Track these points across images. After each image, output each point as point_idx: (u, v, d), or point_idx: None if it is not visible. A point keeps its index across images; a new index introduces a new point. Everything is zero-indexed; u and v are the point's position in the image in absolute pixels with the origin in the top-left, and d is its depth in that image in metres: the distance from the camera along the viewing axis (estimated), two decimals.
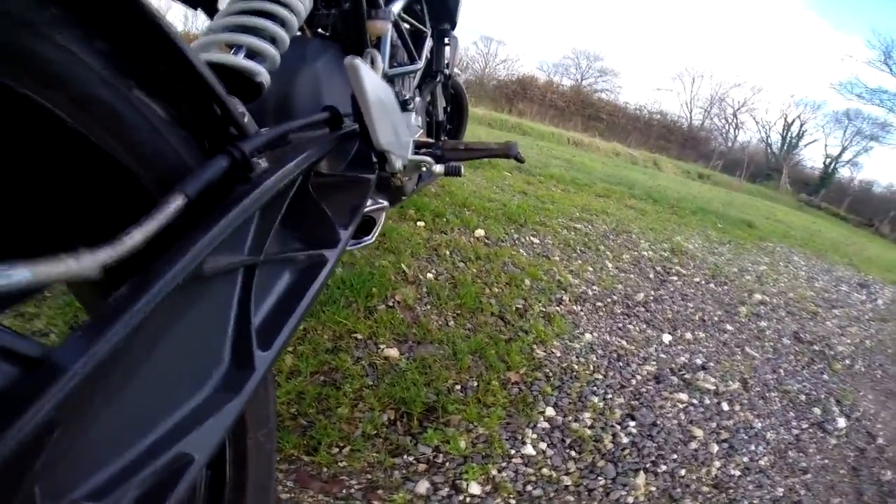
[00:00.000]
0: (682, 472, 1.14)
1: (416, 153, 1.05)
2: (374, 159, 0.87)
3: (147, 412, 0.39)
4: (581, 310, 1.82)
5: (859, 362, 2.14)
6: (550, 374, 1.39)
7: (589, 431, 1.20)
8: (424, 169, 1.06)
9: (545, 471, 1.07)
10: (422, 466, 1.03)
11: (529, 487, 1.04)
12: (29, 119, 0.38)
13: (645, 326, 1.83)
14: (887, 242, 12.21)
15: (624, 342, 1.66)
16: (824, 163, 22.51)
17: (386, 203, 1.10)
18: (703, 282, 2.53)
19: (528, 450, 1.12)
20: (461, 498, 0.98)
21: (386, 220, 2.09)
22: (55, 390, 0.27)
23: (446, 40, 1.81)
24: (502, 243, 2.19)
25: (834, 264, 4.18)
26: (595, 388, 1.37)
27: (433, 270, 1.79)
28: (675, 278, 2.45)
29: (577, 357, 1.50)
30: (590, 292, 1.97)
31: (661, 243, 2.96)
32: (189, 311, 0.42)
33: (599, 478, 1.07)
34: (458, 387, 1.27)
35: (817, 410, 1.56)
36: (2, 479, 0.25)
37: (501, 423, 1.18)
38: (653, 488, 1.08)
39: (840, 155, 22.37)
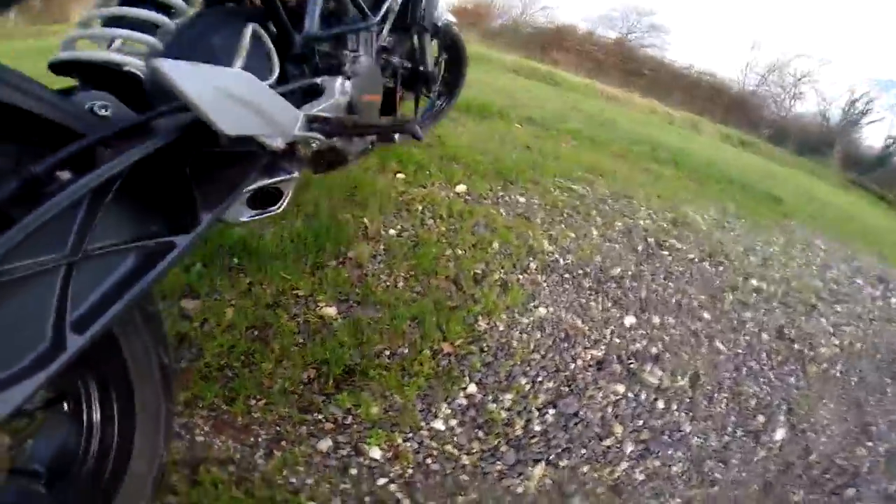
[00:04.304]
0: (585, 468, 1.18)
1: (306, 129, 1.02)
2: None
3: None
4: (545, 280, 1.82)
5: (839, 366, 2.10)
6: (486, 348, 1.43)
7: (504, 414, 1.24)
8: (314, 145, 1.06)
9: (448, 447, 1.14)
10: (329, 426, 1.11)
11: (429, 461, 1.10)
12: None
13: (610, 305, 1.83)
14: None
15: (579, 321, 1.67)
16: (885, 143, 21.11)
17: (295, 174, 1.07)
18: (698, 259, 2.47)
19: (438, 424, 1.17)
20: (360, 460, 1.07)
21: (364, 170, 2.09)
22: None
23: None
24: (483, 200, 2.17)
25: (859, 253, 4.00)
26: (527, 369, 1.40)
27: (398, 226, 1.80)
28: (665, 253, 2.39)
29: (520, 333, 1.52)
30: (562, 262, 1.96)
31: (664, 212, 2.87)
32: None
33: (498, 463, 1.13)
34: (387, 352, 1.32)
35: (761, 418, 1.57)
36: None
37: (419, 394, 1.23)
38: (548, 481, 1.13)
39: None
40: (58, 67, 0.74)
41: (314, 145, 1.01)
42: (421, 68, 2.04)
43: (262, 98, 0.82)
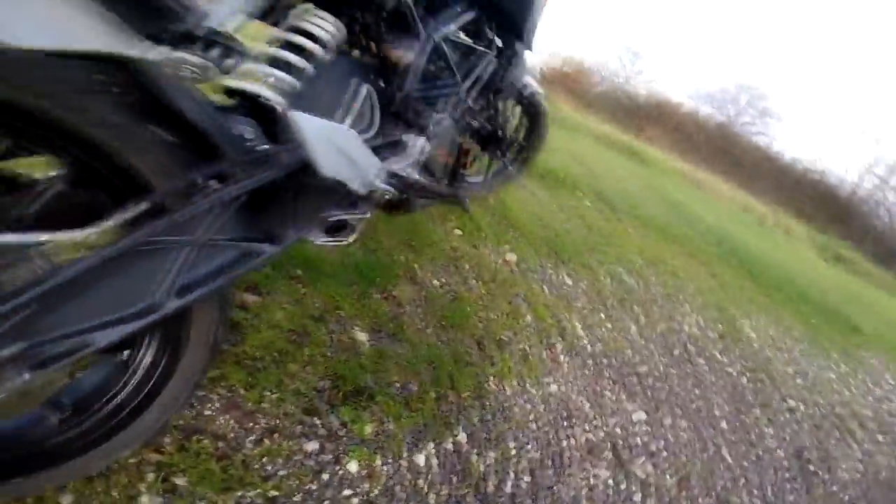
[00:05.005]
0: None
1: (384, 181, 1.21)
2: None
3: (92, 310, 0.73)
4: (567, 361, 1.90)
5: (849, 491, 1.97)
6: (488, 406, 1.54)
7: (482, 468, 1.34)
8: (387, 197, 1.24)
9: (420, 482, 1.25)
10: (322, 431, 1.24)
11: (398, 489, 1.21)
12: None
13: (625, 397, 1.87)
14: None
15: (587, 405, 1.73)
16: None
17: (367, 214, 1.24)
18: (736, 374, 2.42)
19: (420, 459, 1.29)
20: (336, 468, 1.18)
21: (427, 218, 2.30)
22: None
23: (512, 59, 1.88)
24: (530, 273, 2.30)
25: None
26: (519, 435, 1.49)
27: (443, 279, 1.98)
28: (702, 362, 2.37)
29: (525, 402, 1.62)
30: (590, 348, 2.03)
31: (716, 322, 2.83)
32: (136, 263, 0.74)
33: None
34: (398, 384, 1.47)
35: None
36: None
37: (413, 428, 1.36)
38: None
39: None
40: (226, 91, 0.97)
41: (387, 195, 1.20)
42: (498, 132, 2.22)
43: (358, 152, 1.01)
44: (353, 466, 1.20)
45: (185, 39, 0.65)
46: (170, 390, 0.94)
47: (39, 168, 0.79)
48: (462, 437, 1.41)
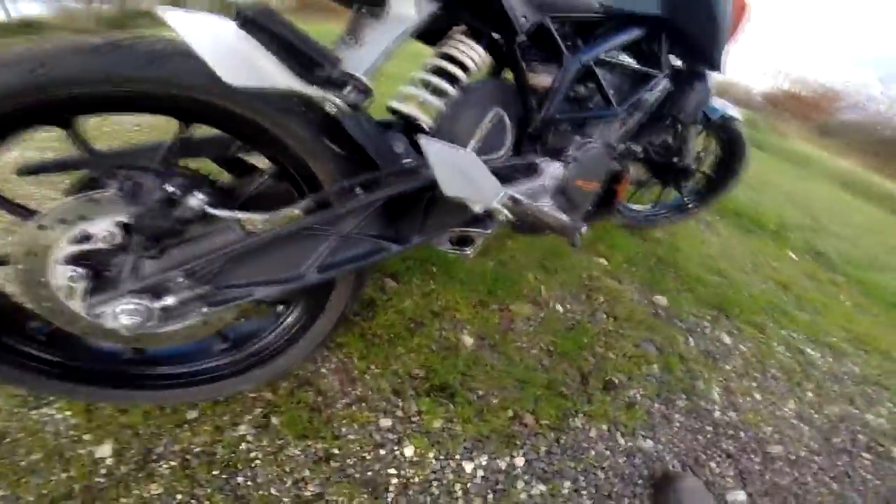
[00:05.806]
0: None
1: (502, 203, 1.25)
2: None
3: (258, 271, 1.01)
4: (682, 421, 1.70)
5: None
6: (561, 440, 1.50)
7: (523, 497, 1.33)
8: (502, 217, 1.28)
9: (457, 487, 1.29)
10: (399, 413, 1.40)
11: (435, 485, 1.27)
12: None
13: (734, 473, 1.58)
14: None
15: (679, 469, 1.56)
16: None
17: (489, 231, 1.32)
18: None
19: (468, 466, 1.35)
20: (395, 448, 1.32)
21: (569, 244, 2.23)
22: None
23: (693, 82, 1.71)
24: (676, 321, 2.07)
25: None
26: (580, 479, 1.41)
27: (567, 306, 1.95)
28: (867, 456, 1.81)
29: (604, 448, 1.52)
30: (718, 415, 1.77)
31: None
32: (296, 242, 1.01)
33: None
34: (481, 392, 1.54)
35: None
36: None
37: (475, 437, 1.42)
38: None
39: None
40: (389, 109, 1.19)
41: (502, 217, 1.23)
42: (675, 160, 2.01)
43: (478, 174, 1.08)
44: (409, 451, 1.33)
45: (327, 81, 0.87)
46: (300, 345, 1.22)
47: (261, 162, 1.11)
48: (520, 460, 1.41)
